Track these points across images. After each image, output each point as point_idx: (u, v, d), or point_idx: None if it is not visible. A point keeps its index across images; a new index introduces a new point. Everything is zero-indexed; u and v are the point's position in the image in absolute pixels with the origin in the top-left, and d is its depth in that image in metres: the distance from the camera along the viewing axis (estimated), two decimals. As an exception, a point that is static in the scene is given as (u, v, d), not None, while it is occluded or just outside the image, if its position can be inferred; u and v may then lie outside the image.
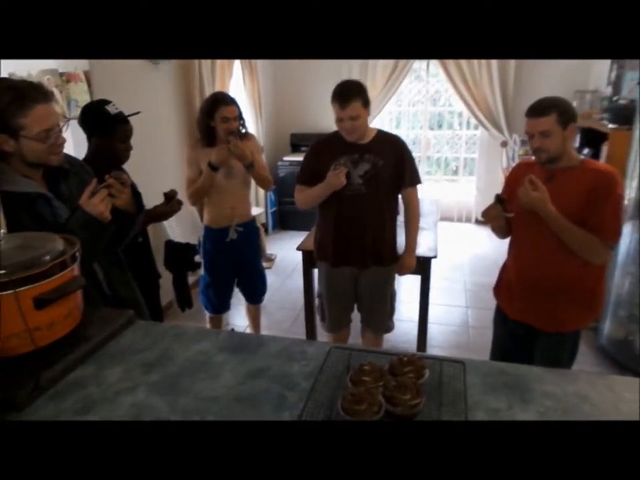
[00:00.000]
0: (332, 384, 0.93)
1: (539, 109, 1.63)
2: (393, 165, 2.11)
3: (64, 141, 1.36)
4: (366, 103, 2.02)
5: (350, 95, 1.97)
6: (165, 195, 2.14)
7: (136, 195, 1.45)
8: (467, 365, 1.00)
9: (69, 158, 1.45)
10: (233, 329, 3.13)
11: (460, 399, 0.89)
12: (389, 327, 2.39)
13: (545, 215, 1.58)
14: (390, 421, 0.80)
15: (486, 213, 1.79)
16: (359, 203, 2.10)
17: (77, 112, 2.14)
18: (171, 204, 2.13)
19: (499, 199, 1.74)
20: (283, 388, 0.95)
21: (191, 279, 3.22)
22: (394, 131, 2.29)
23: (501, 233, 1.88)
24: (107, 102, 1.98)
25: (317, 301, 2.55)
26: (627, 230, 2.74)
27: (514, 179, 1.83)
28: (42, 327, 0.97)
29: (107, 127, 1.92)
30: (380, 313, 2.33)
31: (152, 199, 2.35)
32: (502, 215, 1.74)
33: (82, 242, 1.27)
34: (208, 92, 3.69)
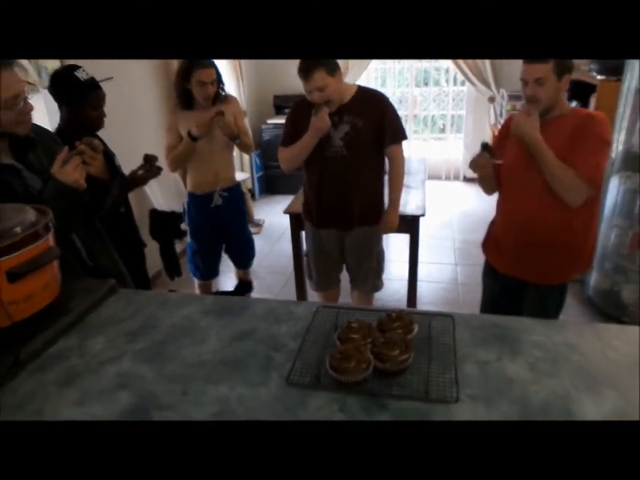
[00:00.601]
0: (320, 343, 0.91)
1: None
2: (374, 124, 2.04)
3: (31, 108, 1.30)
4: (332, 70, 1.91)
5: (312, 65, 1.88)
6: (145, 156, 2.05)
7: (109, 160, 1.40)
8: (456, 319, 0.99)
9: (35, 127, 1.38)
10: (217, 291, 3.13)
11: (449, 352, 0.88)
12: (377, 286, 2.39)
13: (532, 143, 1.55)
14: (377, 380, 0.78)
15: (474, 162, 1.75)
16: (340, 165, 2.06)
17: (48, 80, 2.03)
18: (149, 168, 2.05)
19: (485, 146, 1.71)
20: (270, 349, 0.94)
21: (179, 246, 3.19)
22: (380, 89, 2.19)
23: (488, 185, 1.85)
24: (76, 67, 1.88)
25: (304, 260, 2.55)
26: (614, 183, 2.74)
27: (505, 130, 1.79)
28: (18, 301, 0.93)
29: (78, 93, 1.83)
30: (367, 272, 2.33)
31: (133, 166, 2.29)
32: (490, 161, 1.71)
33: (57, 212, 1.23)
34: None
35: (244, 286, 3.04)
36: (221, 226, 2.71)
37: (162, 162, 2.25)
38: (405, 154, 2.20)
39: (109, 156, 1.39)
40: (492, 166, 1.72)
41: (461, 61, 4.78)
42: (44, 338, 0.96)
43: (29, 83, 1.29)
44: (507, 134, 1.74)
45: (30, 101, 1.30)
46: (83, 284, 1.16)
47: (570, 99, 3.38)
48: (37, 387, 0.87)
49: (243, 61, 4.69)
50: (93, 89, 1.86)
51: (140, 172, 2.02)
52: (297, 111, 2.13)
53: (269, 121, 5.17)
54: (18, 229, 0.93)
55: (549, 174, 1.55)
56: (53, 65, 2.67)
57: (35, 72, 2.68)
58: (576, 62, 3.83)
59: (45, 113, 2.42)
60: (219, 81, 2.40)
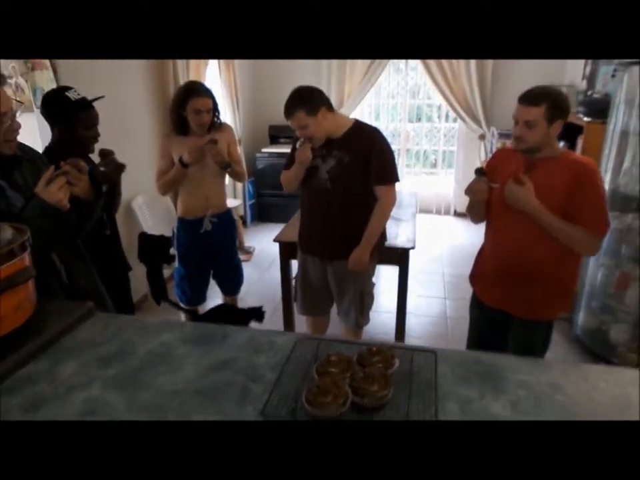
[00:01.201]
0: (298, 375, 0.89)
1: (530, 96, 1.58)
2: (362, 160, 2.02)
3: (19, 126, 1.29)
4: (311, 111, 1.95)
5: (291, 106, 1.96)
6: (100, 151, 2.01)
7: (94, 182, 1.39)
8: (439, 354, 0.97)
9: (21, 146, 1.37)
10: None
11: (430, 389, 0.86)
12: (359, 324, 2.33)
13: (532, 211, 1.57)
14: (355, 416, 0.76)
15: (470, 188, 1.74)
16: (324, 198, 2.08)
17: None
18: (107, 162, 1.99)
19: (480, 171, 1.73)
20: (247, 380, 0.91)
21: (167, 272, 3.15)
22: (374, 124, 2.21)
23: (479, 212, 1.83)
24: (67, 88, 1.89)
25: (293, 282, 2.56)
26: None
27: (495, 161, 1.84)
28: (-12, 320, 0.90)
29: (69, 114, 1.83)
30: (349, 308, 2.30)
31: (127, 189, 2.27)
32: (486, 186, 1.71)
33: (39, 231, 1.20)
34: (182, 81, 3.59)
35: (257, 313, 2.83)
36: (210, 251, 2.69)
37: (152, 184, 2.24)
38: (398, 187, 2.17)
39: (94, 177, 1.38)
40: (487, 191, 1.73)
41: (452, 99, 4.90)
42: (13, 360, 0.92)
43: (17, 101, 1.28)
44: (495, 166, 1.76)
45: (18, 120, 1.29)
46: (58, 305, 1.13)
47: (558, 139, 3.46)
48: (1, 410, 0.83)
49: (239, 90, 4.76)
50: (84, 108, 1.86)
51: (101, 168, 1.97)
52: (295, 141, 2.16)
53: (264, 150, 5.22)
54: (-7, 247, 0.91)
55: (559, 235, 1.58)
56: (48, 85, 2.69)
57: (30, 92, 2.69)
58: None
59: (37, 132, 2.42)
60: (214, 109, 2.43)
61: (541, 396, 0.87)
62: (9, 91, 1.27)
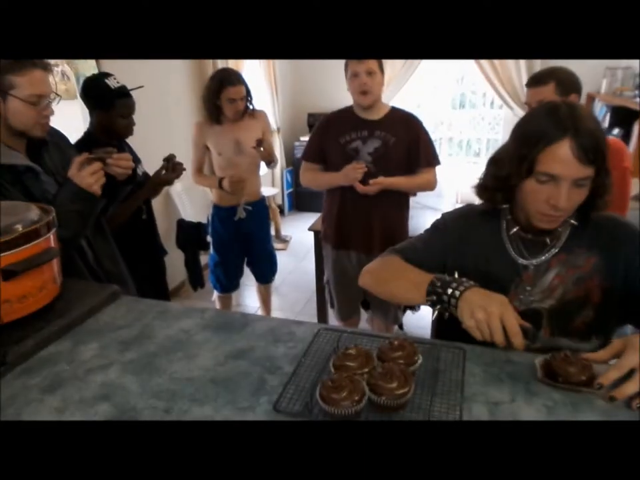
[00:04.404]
0: (316, 368, 0.85)
1: (537, 77, 1.61)
2: (407, 144, 1.98)
3: (52, 112, 1.33)
4: (382, 67, 1.91)
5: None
6: (165, 158, 2.05)
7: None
8: (469, 352, 0.90)
9: (49, 129, 1.40)
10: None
11: (456, 388, 0.80)
12: (398, 317, 2.28)
13: None
14: (371, 415, 0.71)
15: None
16: (366, 183, 1.98)
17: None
18: (170, 166, 2.01)
19: None
20: (264, 371, 0.88)
21: (203, 259, 3.19)
22: (415, 111, 2.14)
23: None
24: (108, 75, 1.92)
25: (326, 287, 2.45)
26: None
27: None
28: (11, 300, 0.91)
29: (107, 100, 1.86)
30: (387, 303, 2.23)
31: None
32: None
33: (72, 215, 1.23)
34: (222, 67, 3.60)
35: None
36: (244, 239, 2.70)
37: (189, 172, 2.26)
38: (438, 177, 2.09)
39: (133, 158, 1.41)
40: None
41: (498, 84, 4.68)
42: (35, 340, 0.93)
43: (56, 94, 1.31)
44: None
45: (53, 107, 1.32)
46: (84, 287, 1.14)
47: (612, 125, 3.24)
48: (19, 390, 0.84)
49: (278, 78, 4.74)
50: (122, 96, 1.88)
51: (163, 172, 2.01)
52: (324, 125, 2.10)
53: (302, 138, 5.19)
54: (19, 226, 0.92)
55: None
56: (91, 73, 2.75)
57: (74, 80, 2.77)
58: (619, 87, 3.69)
59: (80, 118, 2.48)
60: (247, 96, 2.42)
61: (578, 400, 0.79)
62: (55, 79, 1.31)
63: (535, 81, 1.62)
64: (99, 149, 1.32)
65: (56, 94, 1.32)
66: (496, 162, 1.05)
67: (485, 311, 0.85)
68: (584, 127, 0.90)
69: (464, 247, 1.13)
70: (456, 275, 0.95)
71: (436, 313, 0.93)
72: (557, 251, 1.06)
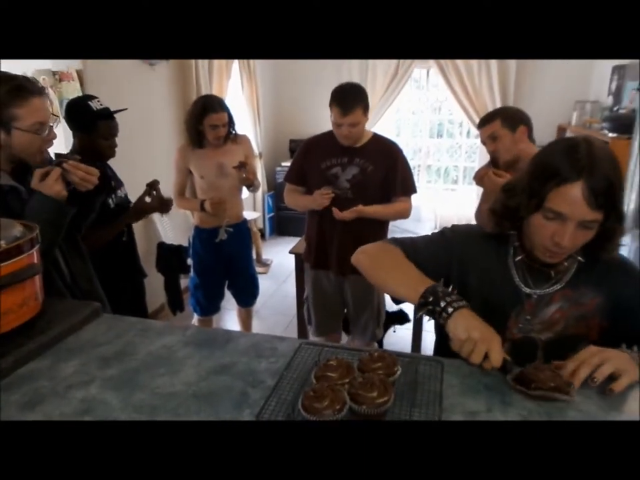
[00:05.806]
0: (298, 381, 0.86)
1: (484, 118, 1.82)
2: (384, 172, 2.03)
3: (55, 136, 1.35)
4: (366, 109, 1.97)
5: (353, 102, 1.90)
6: (148, 185, 2.07)
7: (103, 176, 1.41)
8: (446, 365, 0.93)
9: None
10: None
11: (435, 399, 0.82)
12: (376, 335, 2.30)
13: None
14: (354, 420, 0.73)
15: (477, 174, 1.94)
16: (344, 207, 2.04)
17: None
18: (153, 193, 2.05)
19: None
20: (246, 385, 0.89)
21: (184, 282, 3.17)
22: (394, 139, 2.21)
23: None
24: (91, 97, 1.94)
25: (304, 304, 2.49)
26: (627, 240, 2.67)
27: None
28: (-8, 315, 0.91)
29: (89, 122, 1.88)
30: (367, 321, 2.26)
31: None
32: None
33: (42, 225, 1.22)
34: (205, 93, 3.66)
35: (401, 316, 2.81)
36: (225, 261, 2.70)
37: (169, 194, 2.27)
38: (417, 203, 2.17)
39: (106, 176, 1.41)
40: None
41: (474, 114, 4.85)
42: (15, 357, 0.92)
43: (53, 114, 1.33)
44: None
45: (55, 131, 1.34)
46: (65, 305, 1.13)
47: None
48: (-2, 407, 0.83)
49: (261, 104, 4.83)
50: (104, 118, 1.91)
51: (146, 198, 2.03)
52: (306, 148, 2.16)
53: (284, 164, 5.26)
54: (2, 243, 0.92)
55: None
56: (75, 96, 2.77)
57: (57, 103, 2.78)
58: (587, 119, 3.86)
59: (62, 140, 2.49)
60: (230, 122, 2.47)
61: (551, 410, 0.82)
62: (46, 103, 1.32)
63: (483, 121, 1.83)
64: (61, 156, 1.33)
65: (54, 115, 1.33)
66: (508, 190, 1.05)
67: (481, 333, 0.88)
68: (599, 170, 0.89)
69: (468, 265, 1.12)
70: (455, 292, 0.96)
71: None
72: (562, 285, 1.06)
